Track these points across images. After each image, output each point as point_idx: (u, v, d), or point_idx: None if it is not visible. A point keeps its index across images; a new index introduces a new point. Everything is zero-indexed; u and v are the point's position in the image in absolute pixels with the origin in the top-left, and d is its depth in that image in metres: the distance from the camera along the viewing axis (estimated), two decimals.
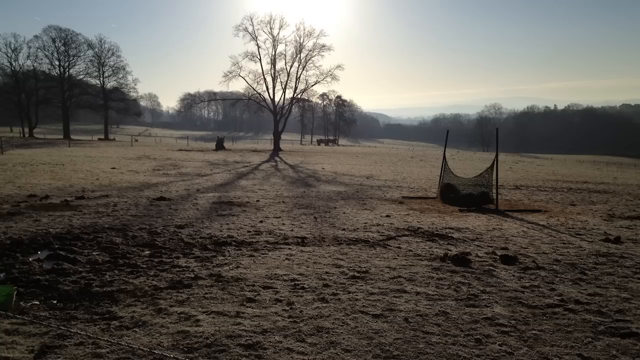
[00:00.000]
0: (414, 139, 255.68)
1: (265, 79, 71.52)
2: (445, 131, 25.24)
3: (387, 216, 14.41)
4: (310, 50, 71.39)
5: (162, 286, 7.40)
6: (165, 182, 22.31)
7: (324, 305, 6.81)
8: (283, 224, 12.56)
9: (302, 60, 71.63)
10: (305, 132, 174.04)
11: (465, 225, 13.26)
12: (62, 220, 12.19)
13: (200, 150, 64.62)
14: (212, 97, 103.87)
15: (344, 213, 14.66)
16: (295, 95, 74.18)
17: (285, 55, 73.03)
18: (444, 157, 21.27)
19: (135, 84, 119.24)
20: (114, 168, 29.42)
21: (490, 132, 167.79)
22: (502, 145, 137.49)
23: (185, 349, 5.47)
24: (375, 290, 7.44)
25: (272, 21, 72.48)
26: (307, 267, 8.40)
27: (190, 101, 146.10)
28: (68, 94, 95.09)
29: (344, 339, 5.83)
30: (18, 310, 6.45)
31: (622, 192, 24.86)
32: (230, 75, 70.69)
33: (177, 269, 8.27)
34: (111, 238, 10.35)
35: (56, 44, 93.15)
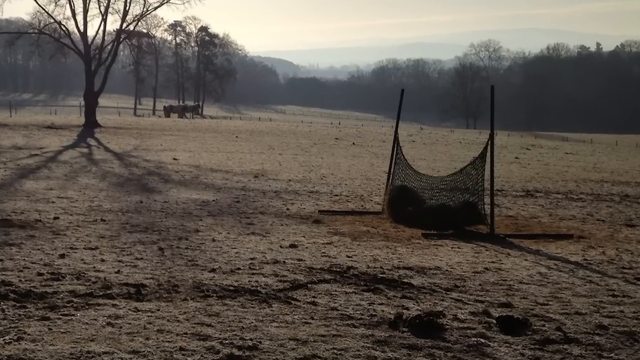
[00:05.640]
0: (340, 104, 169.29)
1: None
2: (397, 91, 17.73)
3: (293, 246, 11.50)
4: None
5: None
6: None
7: None
8: (103, 260, 9.83)
9: None
10: (143, 93, 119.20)
11: (435, 262, 10.53)
12: None
13: None
14: None
15: (214, 241, 11.76)
16: (123, 26, 50.19)
17: None
18: (396, 140, 16.31)
19: None
20: None
21: (480, 92, 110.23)
22: (503, 117, 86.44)
23: None
24: None
25: None
26: (147, 339, 6.42)
27: None
28: None
29: None
30: None
31: None
32: None
33: None
34: None
35: None
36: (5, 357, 5.88)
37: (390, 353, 6.05)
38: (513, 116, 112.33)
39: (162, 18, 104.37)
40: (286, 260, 10.17)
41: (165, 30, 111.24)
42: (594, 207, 17.78)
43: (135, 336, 6.24)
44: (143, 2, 48.52)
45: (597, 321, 7.19)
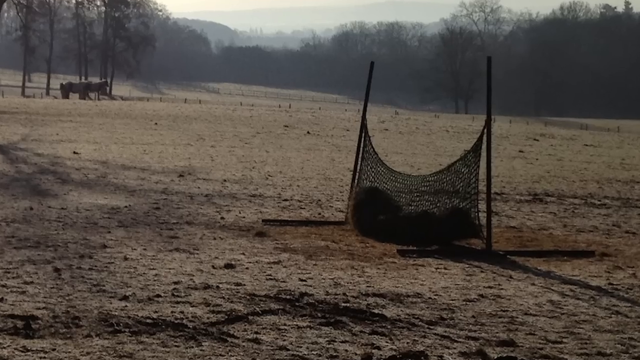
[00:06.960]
0: (291, 81, 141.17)
1: None
2: (365, 63, 16.68)
3: (229, 266, 10.25)
4: None
5: None
6: None
7: None
8: None
9: None
10: (34, 67, 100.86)
11: (414, 288, 9.42)
12: None
13: None
14: None
15: (126, 259, 10.45)
16: None
17: None
18: (364, 127, 14.68)
19: None
20: None
21: (474, 65, 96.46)
22: (504, 98, 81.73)
23: None
24: None
25: None
26: None
27: None
28: None
29: None
30: None
31: None
32: None
33: None
34: None
35: None
36: None
37: None
38: (516, 97, 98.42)
39: None
40: (220, 285, 9.03)
41: None
42: (622, 215, 15.94)
43: None
44: None
45: None
